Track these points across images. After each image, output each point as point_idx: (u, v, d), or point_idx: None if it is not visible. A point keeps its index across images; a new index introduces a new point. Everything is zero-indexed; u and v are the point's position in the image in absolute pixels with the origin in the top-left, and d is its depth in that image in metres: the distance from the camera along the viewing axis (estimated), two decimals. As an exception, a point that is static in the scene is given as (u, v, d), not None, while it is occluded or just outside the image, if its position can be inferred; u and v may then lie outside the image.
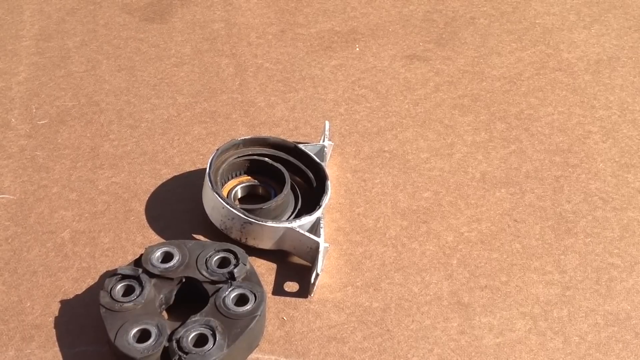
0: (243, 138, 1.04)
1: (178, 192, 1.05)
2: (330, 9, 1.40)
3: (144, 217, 1.01)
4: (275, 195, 0.99)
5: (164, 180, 1.06)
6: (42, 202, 1.03)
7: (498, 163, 1.11)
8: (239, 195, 1.03)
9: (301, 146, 1.04)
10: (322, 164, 1.03)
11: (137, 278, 0.86)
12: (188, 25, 1.35)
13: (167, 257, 0.89)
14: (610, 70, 1.28)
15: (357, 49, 1.31)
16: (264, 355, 0.86)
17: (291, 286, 0.93)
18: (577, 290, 0.94)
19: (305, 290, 0.93)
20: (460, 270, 0.96)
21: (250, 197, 1.03)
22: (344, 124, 1.16)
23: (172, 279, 0.87)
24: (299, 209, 1.00)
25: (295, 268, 0.96)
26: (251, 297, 0.85)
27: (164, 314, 0.89)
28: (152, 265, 0.87)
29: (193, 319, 0.83)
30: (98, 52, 1.28)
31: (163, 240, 0.97)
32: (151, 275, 0.87)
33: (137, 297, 0.84)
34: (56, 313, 0.89)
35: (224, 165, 1.01)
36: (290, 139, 1.07)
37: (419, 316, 0.91)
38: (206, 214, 0.98)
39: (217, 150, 1.00)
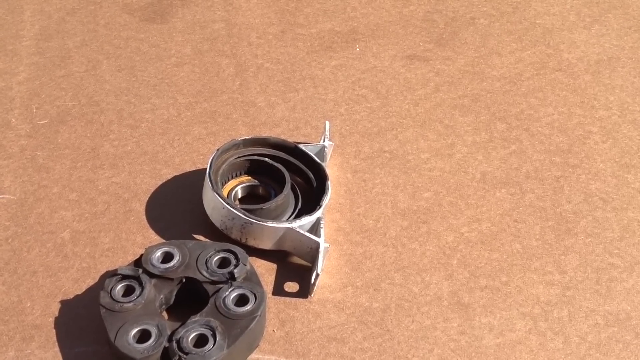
0: (243, 138, 1.04)
1: (178, 192, 1.05)
2: (331, 9, 1.40)
3: (144, 217, 1.01)
4: (276, 196, 0.99)
5: (164, 181, 1.06)
6: (42, 202, 1.03)
7: (498, 163, 1.11)
8: (239, 196, 1.03)
9: (301, 146, 1.04)
10: (323, 164, 1.03)
11: (137, 278, 0.86)
12: (188, 25, 1.35)
13: (167, 257, 0.89)
14: (610, 70, 1.28)
15: (358, 49, 1.31)
16: (264, 356, 0.86)
17: (291, 286, 0.93)
18: (577, 291, 0.94)
19: (305, 291, 0.93)
20: (461, 270, 0.96)
21: (250, 197, 1.03)
22: (344, 124, 1.16)
23: (172, 279, 0.87)
24: (299, 209, 1.00)
25: (296, 268, 0.96)
26: (251, 298, 0.85)
27: (164, 314, 0.89)
28: (152, 265, 0.88)
29: (193, 320, 0.83)
30: (98, 52, 1.28)
31: (163, 241, 0.97)
32: (151, 275, 0.87)
33: (137, 298, 0.84)
34: (56, 313, 0.89)
35: (224, 165, 1.01)
36: (291, 139, 1.07)
37: (419, 316, 0.91)
38: (206, 214, 0.98)
39: (218, 150, 1.00)
